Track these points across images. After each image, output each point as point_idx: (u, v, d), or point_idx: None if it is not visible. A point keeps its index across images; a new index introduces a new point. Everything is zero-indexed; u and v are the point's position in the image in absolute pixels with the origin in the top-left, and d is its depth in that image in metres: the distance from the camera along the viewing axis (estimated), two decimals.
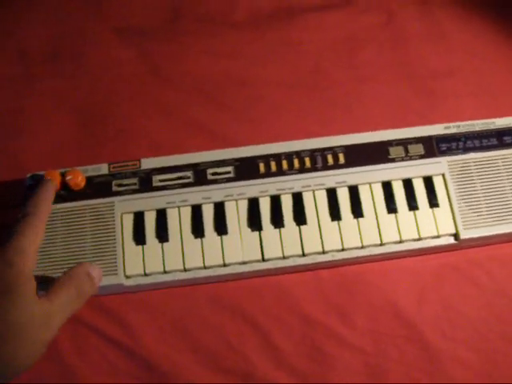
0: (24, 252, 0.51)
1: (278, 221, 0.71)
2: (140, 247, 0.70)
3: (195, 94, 0.82)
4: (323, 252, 0.70)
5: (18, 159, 0.79)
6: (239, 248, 0.70)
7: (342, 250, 0.70)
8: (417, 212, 0.72)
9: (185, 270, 0.70)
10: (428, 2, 0.88)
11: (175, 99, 0.82)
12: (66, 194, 0.72)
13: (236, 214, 0.71)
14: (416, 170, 0.73)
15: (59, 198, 0.72)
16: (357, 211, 0.71)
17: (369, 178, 0.73)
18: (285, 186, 0.72)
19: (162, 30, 0.87)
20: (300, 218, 0.71)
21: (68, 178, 0.71)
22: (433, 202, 0.72)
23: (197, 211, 0.72)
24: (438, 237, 0.71)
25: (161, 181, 0.73)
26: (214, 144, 0.78)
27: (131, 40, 0.86)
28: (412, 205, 0.72)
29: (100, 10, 0.89)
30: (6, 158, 0.79)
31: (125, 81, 0.84)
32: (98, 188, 0.73)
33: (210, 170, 0.73)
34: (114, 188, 0.72)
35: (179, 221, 0.72)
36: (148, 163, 0.73)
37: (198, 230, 0.71)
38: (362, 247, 0.70)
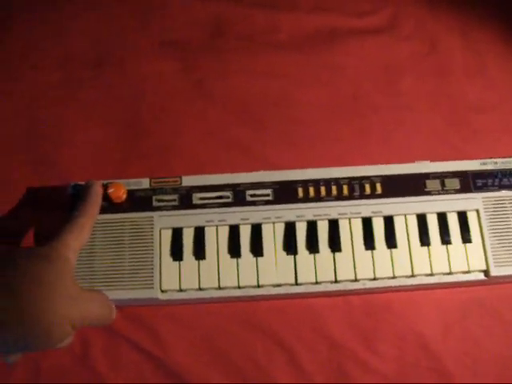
0: (68, 246, 0.57)
1: (313, 246, 0.72)
2: (177, 263, 0.72)
3: (236, 112, 0.83)
4: (355, 280, 0.71)
5: (60, 167, 0.80)
6: (274, 270, 0.72)
7: (374, 279, 0.72)
8: (449, 246, 0.73)
9: (219, 288, 0.71)
10: (472, 35, 0.88)
11: (217, 116, 0.83)
12: (107, 205, 0.73)
13: (272, 237, 0.73)
14: (451, 204, 0.74)
15: (100, 209, 0.73)
16: (391, 242, 0.73)
17: (404, 210, 0.74)
18: (322, 212, 0.74)
19: (206, 45, 0.87)
20: (335, 244, 0.72)
21: (110, 190, 0.72)
22: (466, 237, 0.73)
23: (234, 231, 0.73)
24: (468, 272, 0.72)
25: (201, 199, 0.74)
26: (253, 165, 0.79)
27: (175, 54, 0.87)
28: (445, 239, 0.73)
29: (144, 22, 0.89)
30: (48, 165, 0.80)
31: (168, 95, 0.85)
32: (139, 202, 0.74)
33: (249, 192, 0.74)
34: (155, 203, 0.74)
35: (216, 240, 0.73)
36: (189, 181, 0.75)
37: (234, 250, 0.72)
38: (394, 277, 0.72)
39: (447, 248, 0.73)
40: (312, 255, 0.72)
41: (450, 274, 0.72)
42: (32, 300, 0.50)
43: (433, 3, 0.91)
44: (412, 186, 0.75)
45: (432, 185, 0.75)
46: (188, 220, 0.73)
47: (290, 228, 0.73)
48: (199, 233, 0.73)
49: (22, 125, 0.84)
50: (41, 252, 0.55)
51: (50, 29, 0.89)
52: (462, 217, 0.74)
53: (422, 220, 0.74)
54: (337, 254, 0.72)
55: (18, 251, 0.55)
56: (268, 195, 0.74)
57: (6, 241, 0.76)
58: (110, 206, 0.74)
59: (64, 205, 0.74)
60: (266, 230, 0.73)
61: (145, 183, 0.75)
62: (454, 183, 0.75)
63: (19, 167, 0.81)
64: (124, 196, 0.73)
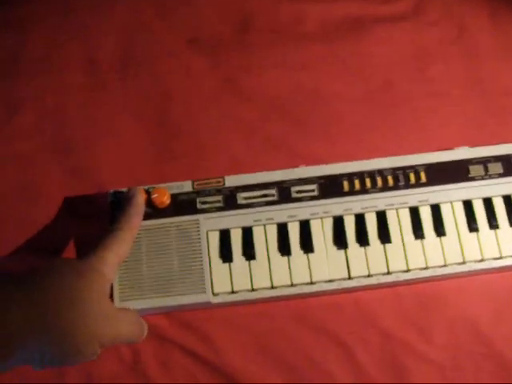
0: (107, 263, 0.55)
1: (363, 239, 0.71)
2: (227, 265, 0.71)
3: (269, 107, 0.82)
4: (407, 270, 0.71)
5: (94, 173, 0.78)
6: (325, 266, 0.71)
7: (426, 268, 0.71)
8: (497, 231, 0.73)
9: (272, 287, 0.70)
10: (500, 16, 0.87)
11: (250, 113, 0.82)
12: (151, 211, 0.72)
13: (321, 232, 0.72)
14: (496, 188, 0.74)
15: (144, 216, 0.71)
16: (439, 230, 0.72)
17: (450, 197, 0.74)
18: (369, 204, 0.73)
19: (233, 41, 0.86)
20: (384, 236, 0.72)
21: (154, 196, 0.71)
22: None
23: (283, 229, 0.72)
24: None
25: (245, 198, 0.73)
26: (292, 160, 0.78)
27: (203, 51, 0.85)
28: (493, 224, 0.73)
29: (170, 20, 0.87)
30: (82, 173, 0.78)
31: (198, 93, 0.83)
32: (183, 205, 0.73)
33: (294, 188, 0.73)
34: (199, 205, 0.73)
35: (265, 238, 0.72)
36: (232, 181, 0.74)
37: (284, 248, 0.72)
38: (445, 265, 0.71)
39: (496, 232, 0.73)
40: (362, 248, 0.72)
41: (500, 258, 0.72)
42: (63, 316, 0.49)
43: None
44: (456, 172, 0.75)
45: (475, 170, 0.75)
46: (234, 221, 0.72)
47: (338, 222, 0.73)
48: (247, 233, 0.72)
49: (49, 132, 0.82)
50: (77, 267, 0.54)
51: (73, 30, 0.86)
52: (508, 200, 0.74)
53: (468, 206, 0.74)
54: (387, 245, 0.72)
55: (55, 263, 0.55)
56: (313, 190, 0.73)
57: (47, 253, 0.74)
58: (153, 211, 0.72)
59: (104, 213, 0.72)
60: (315, 226, 0.72)
61: (187, 186, 0.73)
62: (497, 167, 0.75)
63: (53, 177, 0.79)
64: (168, 200, 0.72)
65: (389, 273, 0.71)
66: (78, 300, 0.51)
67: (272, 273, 0.71)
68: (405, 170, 0.74)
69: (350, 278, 0.71)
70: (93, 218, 0.74)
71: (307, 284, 0.71)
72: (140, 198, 0.66)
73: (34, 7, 0.89)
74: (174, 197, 0.73)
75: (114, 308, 0.55)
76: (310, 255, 0.71)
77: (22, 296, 0.49)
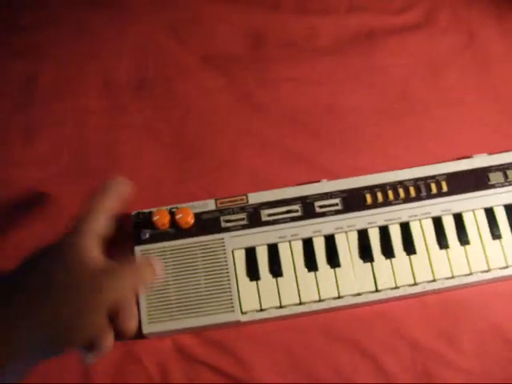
0: (81, 231, 0.52)
1: (388, 251, 0.72)
2: (254, 283, 0.71)
3: (287, 122, 0.83)
4: (434, 280, 0.71)
5: None
6: (353, 280, 0.71)
7: (452, 277, 0.72)
8: None
9: (300, 303, 0.70)
10: (508, 20, 0.88)
11: (268, 128, 0.82)
12: (175, 231, 0.72)
13: (347, 246, 0.73)
14: None
15: (168, 236, 0.72)
16: (463, 238, 0.73)
17: (472, 205, 0.74)
18: (392, 216, 0.74)
19: (248, 57, 0.86)
20: (409, 247, 0.73)
21: (178, 216, 0.71)
22: None
23: (308, 245, 0.73)
24: None
25: (269, 215, 0.73)
26: (311, 174, 0.78)
27: (218, 68, 0.85)
28: None
29: (184, 39, 0.87)
30: None
31: (216, 110, 0.83)
32: (207, 224, 0.73)
33: (317, 203, 0.74)
34: (223, 224, 0.73)
35: (291, 255, 0.72)
36: (255, 198, 0.74)
37: (311, 264, 0.72)
38: (471, 274, 0.72)
39: None
40: (388, 260, 0.72)
41: None
42: (45, 300, 0.47)
43: None
44: (476, 180, 0.75)
45: (495, 177, 0.75)
46: (260, 238, 0.72)
47: (363, 235, 0.73)
48: (273, 250, 0.72)
49: (70, 156, 0.81)
50: (53, 248, 0.51)
51: (87, 54, 0.87)
52: None
53: (490, 214, 0.74)
54: (412, 256, 0.72)
55: (31, 256, 0.52)
56: (337, 204, 0.74)
57: None
58: (178, 231, 0.72)
59: (128, 234, 0.72)
60: (340, 240, 0.73)
61: (210, 204, 0.74)
62: None
63: (74, 201, 0.78)
64: (192, 220, 0.72)
65: (415, 284, 0.72)
66: (59, 281, 0.49)
67: (300, 289, 0.71)
68: (426, 180, 0.75)
69: (377, 290, 0.71)
70: (117, 240, 0.74)
71: (335, 298, 0.71)
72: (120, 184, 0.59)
73: (47, 33, 0.89)
74: (197, 216, 0.73)
75: (97, 271, 0.51)
76: (337, 269, 0.72)
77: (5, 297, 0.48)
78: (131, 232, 0.74)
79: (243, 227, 0.72)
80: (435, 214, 0.73)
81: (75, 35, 0.88)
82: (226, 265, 0.71)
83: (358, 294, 0.71)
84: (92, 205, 0.56)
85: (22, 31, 0.88)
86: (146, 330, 0.69)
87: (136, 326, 0.53)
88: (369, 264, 0.72)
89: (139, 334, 0.69)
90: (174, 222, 0.72)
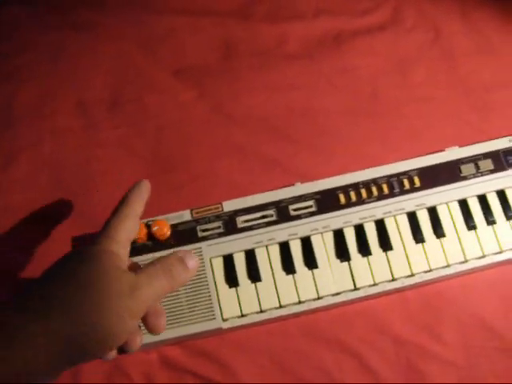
0: (112, 238, 0.53)
1: (365, 249, 0.73)
2: (234, 289, 0.72)
3: (261, 128, 0.84)
4: (412, 275, 0.72)
5: (97, 211, 0.79)
6: (331, 280, 0.72)
7: (429, 270, 0.72)
8: (495, 226, 0.74)
9: (280, 306, 0.71)
10: (472, 15, 0.89)
11: (242, 136, 0.83)
12: (152, 244, 0.73)
13: (323, 247, 0.73)
14: (488, 185, 0.76)
15: (146, 249, 0.73)
16: (439, 231, 0.74)
17: (445, 198, 0.75)
18: (366, 214, 0.74)
19: (219, 67, 0.87)
20: (386, 244, 0.73)
21: (154, 228, 0.72)
22: (509, 214, 0.74)
23: (285, 248, 0.73)
24: None
25: (245, 221, 0.74)
26: (287, 178, 0.79)
27: (190, 81, 0.87)
28: (489, 220, 0.74)
29: (155, 54, 0.89)
30: (85, 212, 0.79)
31: (189, 123, 0.84)
32: (184, 235, 0.74)
33: (291, 206, 0.74)
34: (200, 233, 0.74)
35: (269, 259, 0.73)
36: (230, 205, 0.75)
37: (288, 267, 0.73)
38: (448, 266, 0.73)
39: (493, 228, 0.74)
40: (365, 258, 0.73)
41: (500, 252, 0.73)
42: (83, 307, 0.47)
43: None
44: (448, 173, 0.76)
45: (467, 169, 0.76)
46: (236, 245, 0.73)
47: (338, 235, 0.74)
48: (250, 255, 0.73)
49: (46, 179, 0.82)
50: (83, 254, 0.51)
51: (62, 75, 0.88)
52: (502, 195, 0.75)
53: (464, 205, 0.75)
54: (389, 252, 0.73)
55: (64, 258, 0.51)
56: (311, 206, 0.74)
57: None
58: (155, 244, 0.73)
59: None
60: (316, 241, 0.74)
61: (186, 215, 0.75)
62: (488, 164, 0.76)
63: (55, 222, 0.79)
64: (168, 232, 0.73)
65: (393, 279, 0.72)
66: (91, 286, 0.48)
67: (279, 292, 0.72)
68: (398, 176, 0.76)
69: (356, 288, 0.72)
70: None
71: (315, 299, 0.72)
72: (144, 186, 0.61)
73: (24, 57, 0.91)
74: (174, 227, 0.74)
75: (137, 275, 0.50)
76: (315, 271, 0.73)
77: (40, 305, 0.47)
78: None
79: (220, 235, 0.73)
80: (409, 209, 0.74)
81: (52, 57, 0.89)
82: (205, 273, 0.72)
83: (338, 294, 0.72)
84: (122, 210, 0.56)
85: (2, 56, 0.89)
86: None
87: (165, 323, 0.54)
88: (346, 263, 0.73)
89: None
90: (151, 235, 0.72)
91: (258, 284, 0.72)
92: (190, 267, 0.54)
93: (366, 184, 0.75)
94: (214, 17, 0.92)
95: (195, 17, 0.92)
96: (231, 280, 0.72)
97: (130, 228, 0.55)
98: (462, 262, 0.73)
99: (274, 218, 0.74)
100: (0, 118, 0.87)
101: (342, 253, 0.73)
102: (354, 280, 0.72)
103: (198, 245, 0.73)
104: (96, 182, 0.82)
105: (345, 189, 0.75)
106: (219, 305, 0.71)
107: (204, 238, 0.73)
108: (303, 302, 0.71)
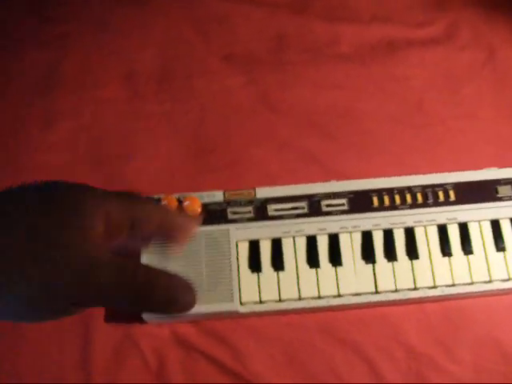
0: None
1: (391, 254, 0.72)
2: (255, 275, 0.72)
3: (303, 123, 0.84)
4: (434, 286, 0.71)
5: (130, 182, 0.80)
6: (353, 280, 0.72)
7: (452, 285, 0.72)
8: None
9: (300, 298, 0.71)
10: None
11: (284, 128, 0.84)
12: None
13: (350, 246, 0.73)
14: None
15: None
16: (467, 248, 0.73)
17: (478, 216, 0.74)
18: (397, 220, 0.74)
19: (269, 58, 0.88)
20: (412, 252, 0.73)
21: (186, 203, 0.73)
22: None
23: (312, 242, 0.73)
24: None
25: (276, 210, 0.74)
26: (323, 174, 0.80)
27: (238, 67, 0.87)
28: None
29: (208, 36, 0.90)
30: (118, 182, 0.80)
31: (233, 108, 0.85)
32: (214, 215, 0.74)
33: (324, 202, 0.74)
34: (230, 215, 0.74)
35: (294, 250, 0.73)
36: (263, 192, 0.75)
37: (313, 261, 0.73)
38: (472, 283, 0.72)
39: None
40: (390, 263, 0.72)
41: None
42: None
43: (488, 11, 0.92)
44: (484, 192, 0.76)
45: (504, 191, 0.75)
46: (264, 232, 0.73)
47: (367, 237, 0.73)
48: (276, 244, 0.73)
49: (85, 145, 0.83)
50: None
51: (111, 46, 0.90)
52: None
53: (496, 226, 0.74)
54: (414, 261, 0.72)
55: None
56: (343, 205, 0.74)
57: None
58: None
59: None
60: (344, 240, 0.74)
61: (219, 196, 0.75)
62: None
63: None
64: (199, 209, 0.73)
65: (415, 288, 0.72)
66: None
67: (300, 284, 0.72)
68: (434, 187, 0.75)
69: (377, 292, 0.72)
70: None
71: (334, 297, 0.72)
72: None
73: (73, 25, 0.93)
74: (205, 206, 0.74)
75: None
76: (338, 268, 0.72)
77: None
78: None
79: (249, 220, 0.73)
80: (440, 221, 0.74)
81: (100, 28, 0.91)
82: (229, 255, 0.72)
83: (358, 294, 0.71)
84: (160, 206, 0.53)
85: (49, 22, 0.91)
86: (145, 315, 0.70)
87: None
88: (370, 265, 0.72)
89: (139, 318, 0.70)
90: (181, 210, 0.72)
91: (281, 273, 0.72)
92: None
93: (401, 191, 0.75)
94: (270, 8, 0.93)
95: (250, 5, 0.93)
96: (254, 265, 0.72)
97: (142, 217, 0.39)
98: (486, 282, 0.72)
99: (305, 211, 0.74)
100: (45, 82, 0.88)
101: (368, 255, 0.72)
102: (376, 283, 0.71)
103: (226, 226, 0.73)
104: (133, 153, 0.82)
105: (379, 192, 0.75)
106: (239, 288, 0.71)
107: (233, 221, 0.74)
108: (323, 297, 0.71)
